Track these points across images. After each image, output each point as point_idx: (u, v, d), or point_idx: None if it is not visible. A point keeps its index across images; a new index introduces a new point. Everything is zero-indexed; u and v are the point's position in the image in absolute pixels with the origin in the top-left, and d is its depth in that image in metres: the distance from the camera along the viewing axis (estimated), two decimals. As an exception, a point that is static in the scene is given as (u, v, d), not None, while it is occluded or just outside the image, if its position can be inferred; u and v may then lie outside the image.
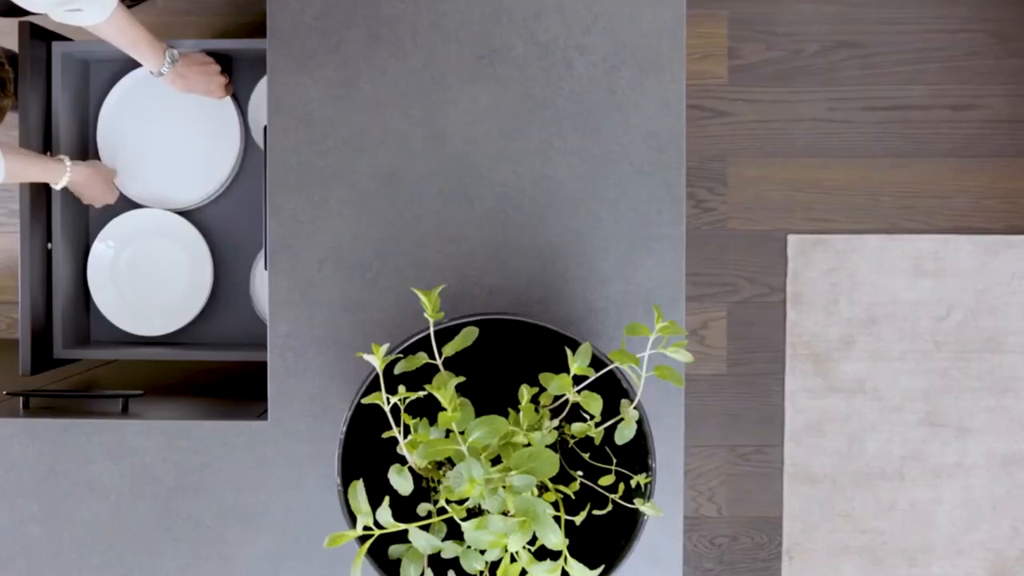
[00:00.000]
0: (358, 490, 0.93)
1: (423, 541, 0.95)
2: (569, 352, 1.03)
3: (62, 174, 1.47)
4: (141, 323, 1.56)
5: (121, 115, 1.57)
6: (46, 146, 1.53)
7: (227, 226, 1.59)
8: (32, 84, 1.49)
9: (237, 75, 1.58)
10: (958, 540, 2.27)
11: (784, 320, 2.25)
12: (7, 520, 1.32)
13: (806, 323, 2.25)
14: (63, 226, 1.53)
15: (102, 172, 1.53)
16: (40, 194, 1.52)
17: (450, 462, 1.04)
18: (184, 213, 1.57)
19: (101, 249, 1.56)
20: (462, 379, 0.99)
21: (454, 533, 0.98)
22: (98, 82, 1.59)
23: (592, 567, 0.96)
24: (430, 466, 1.04)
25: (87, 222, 1.60)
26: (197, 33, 2.19)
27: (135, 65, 1.50)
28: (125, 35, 1.37)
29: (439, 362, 1.03)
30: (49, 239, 1.53)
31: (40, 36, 1.50)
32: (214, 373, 1.70)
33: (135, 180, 1.57)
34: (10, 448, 1.32)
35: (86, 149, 1.59)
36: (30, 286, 1.50)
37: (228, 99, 1.54)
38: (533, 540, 0.92)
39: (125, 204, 1.58)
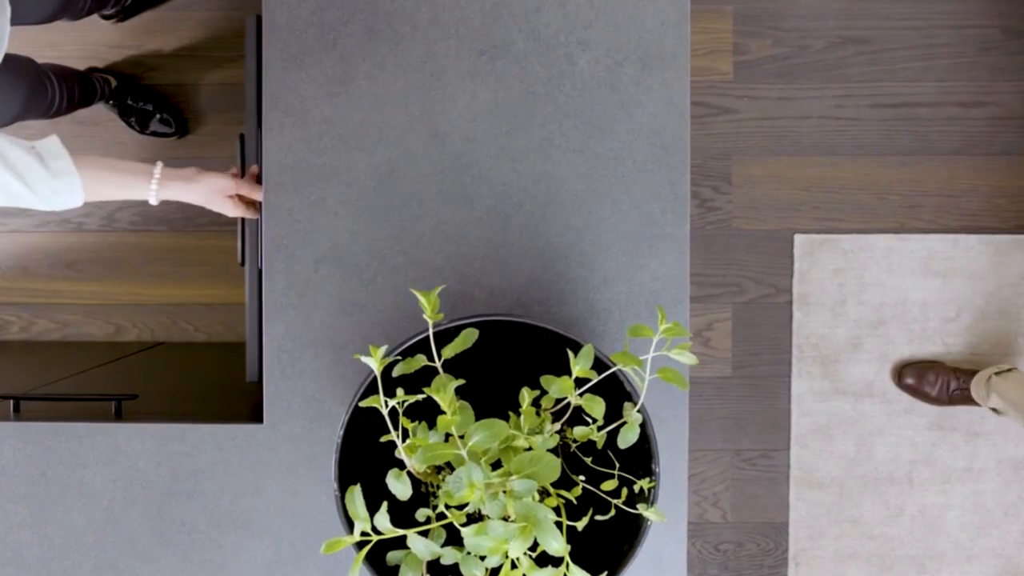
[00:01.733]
0: (356, 495, 0.93)
1: (422, 547, 0.95)
2: (571, 354, 1.03)
3: (147, 189, 1.32)
4: None
5: None
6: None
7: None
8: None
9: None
10: (968, 546, 2.27)
11: (790, 321, 2.25)
12: (-3, 526, 1.32)
13: (813, 324, 2.25)
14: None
15: (210, 184, 1.36)
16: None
17: (449, 466, 1.04)
18: None
19: None
20: (462, 382, 0.99)
21: (453, 539, 0.97)
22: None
23: (594, 573, 0.96)
24: (429, 470, 1.04)
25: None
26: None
27: None
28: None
29: (438, 364, 1.03)
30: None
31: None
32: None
33: None
34: (0, 452, 1.32)
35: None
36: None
37: None
38: (534, 546, 0.92)
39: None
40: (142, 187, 1.32)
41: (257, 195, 1.36)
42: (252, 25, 1.37)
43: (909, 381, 2.20)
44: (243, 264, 1.40)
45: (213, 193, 1.36)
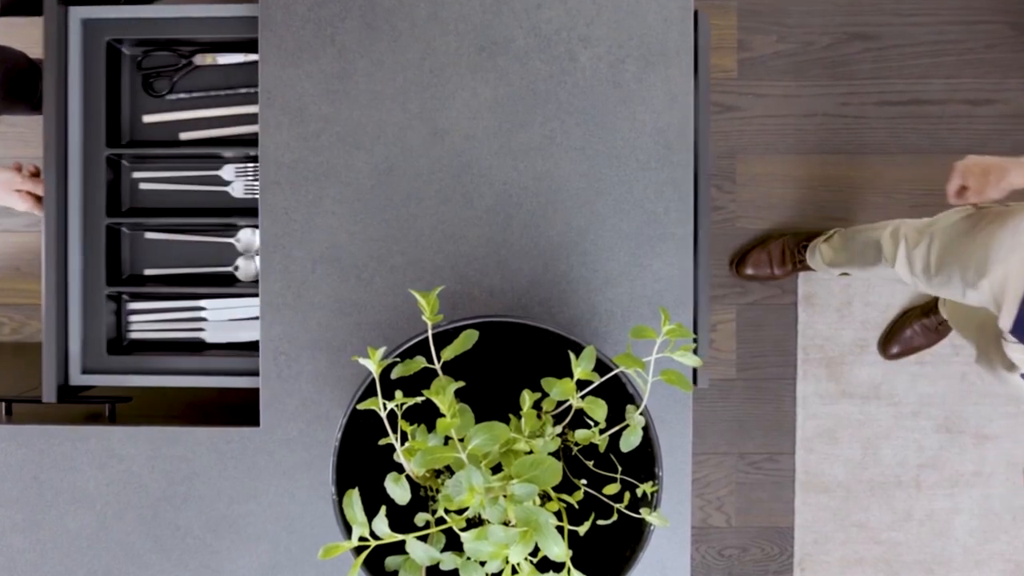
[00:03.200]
0: (354, 499, 0.93)
1: (421, 552, 0.95)
2: (572, 356, 1.02)
3: None
4: None
5: None
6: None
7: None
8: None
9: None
10: (977, 551, 2.27)
11: (796, 323, 2.25)
12: (-11, 530, 1.32)
13: (818, 326, 2.25)
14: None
15: None
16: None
17: (449, 470, 1.04)
18: None
19: None
20: (461, 384, 0.99)
21: (453, 544, 0.97)
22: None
23: (597, 579, 0.96)
24: (428, 474, 1.04)
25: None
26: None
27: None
28: None
29: (438, 366, 1.02)
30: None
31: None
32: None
33: None
34: (-8, 455, 1.32)
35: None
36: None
37: None
38: (535, 551, 0.92)
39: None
40: None
41: (41, 190, 1.39)
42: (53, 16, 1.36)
43: (895, 350, 2.20)
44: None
45: None
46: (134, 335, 1.48)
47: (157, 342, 1.48)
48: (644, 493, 1.08)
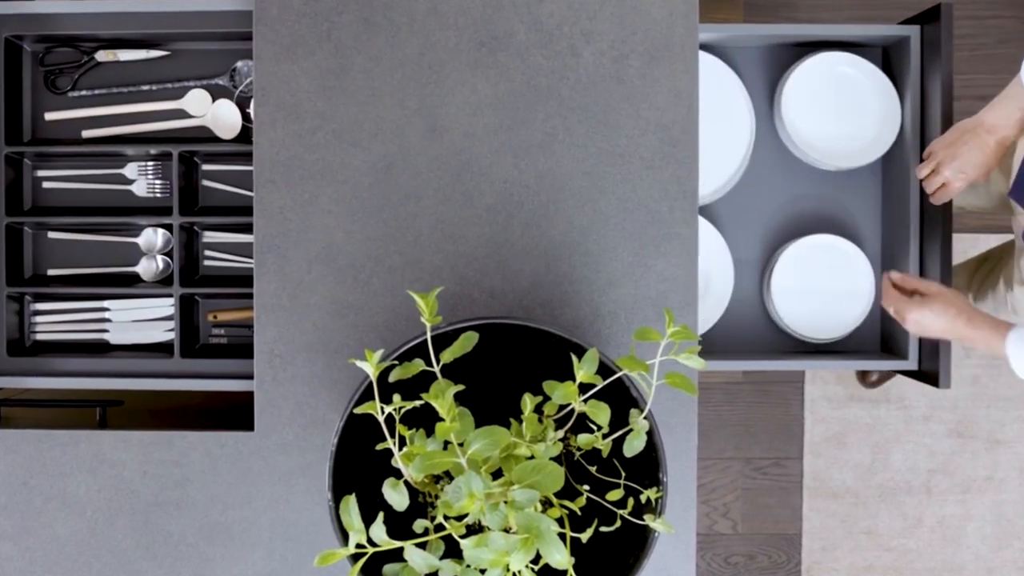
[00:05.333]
0: (351, 505, 0.93)
1: (420, 559, 0.95)
2: (575, 358, 1.02)
3: None
4: None
5: None
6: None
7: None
8: None
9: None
10: (989, 558, 2.27)
11: (803, 324, 2.25)
12: (-23, 537, 1.33)
13: (827, 328, 2.25)
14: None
15: None
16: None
17: (448, 476, 1.04)
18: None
19: None
20: (461, 387, 0.99)
21: (453, 551, 0.97)
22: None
23: (599, 588, 0.96)
24: (427, 480, 1.04)
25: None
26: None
27: None
28: None
29: (437, 369, 1.02)
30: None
31: None
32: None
33: None
34: (-20, 460, 1.32)
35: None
36: None
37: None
38: (537, 559, 0.92)
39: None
40: None
41: None
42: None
43: (874, 378, 2.21)
44: None
45: None
46: (39, 336, 1.51)
47: (64, 343, 1.51)
48: (648, 499, 1.08)
